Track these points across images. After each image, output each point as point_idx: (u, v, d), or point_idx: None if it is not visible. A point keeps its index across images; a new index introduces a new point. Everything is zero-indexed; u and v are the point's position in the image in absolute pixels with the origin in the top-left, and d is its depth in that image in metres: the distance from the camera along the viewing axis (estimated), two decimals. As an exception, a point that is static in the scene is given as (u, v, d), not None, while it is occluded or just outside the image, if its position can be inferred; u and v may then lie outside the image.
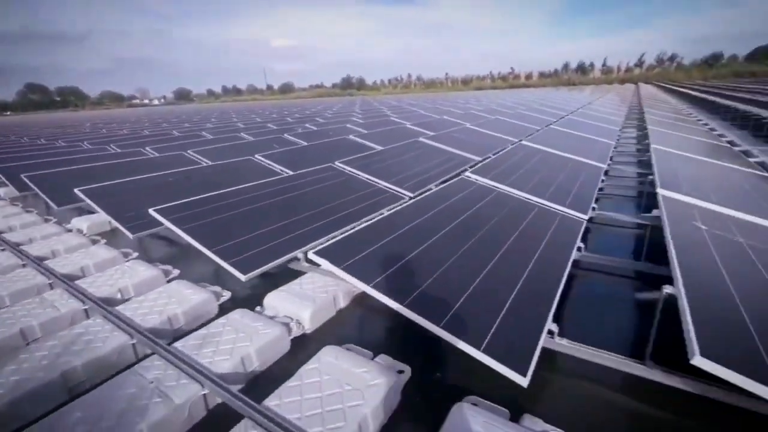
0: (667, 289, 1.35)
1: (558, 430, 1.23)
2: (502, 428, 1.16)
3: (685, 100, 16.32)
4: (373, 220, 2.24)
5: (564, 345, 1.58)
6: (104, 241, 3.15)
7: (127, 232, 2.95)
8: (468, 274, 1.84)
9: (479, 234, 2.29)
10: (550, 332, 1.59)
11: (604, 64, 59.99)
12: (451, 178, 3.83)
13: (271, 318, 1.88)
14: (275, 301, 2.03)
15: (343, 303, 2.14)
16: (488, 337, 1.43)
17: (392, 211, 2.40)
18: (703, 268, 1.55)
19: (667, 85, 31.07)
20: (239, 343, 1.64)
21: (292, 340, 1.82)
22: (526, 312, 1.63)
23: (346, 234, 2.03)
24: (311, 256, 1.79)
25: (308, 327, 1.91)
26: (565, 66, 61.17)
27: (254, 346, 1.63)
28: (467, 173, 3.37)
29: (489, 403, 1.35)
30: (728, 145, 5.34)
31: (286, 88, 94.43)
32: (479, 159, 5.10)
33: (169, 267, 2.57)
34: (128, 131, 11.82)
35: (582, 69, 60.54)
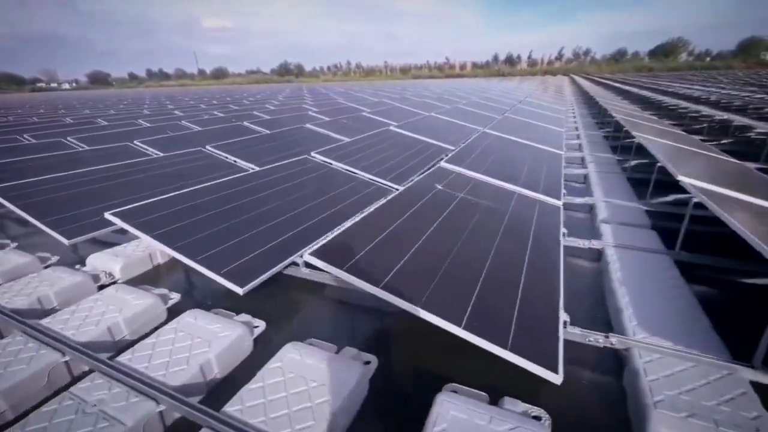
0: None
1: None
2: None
3: (577, 91, 18.33)
4: (184, 190, 2.65)
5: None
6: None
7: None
8: (249, 224, 2.34)
9: (291, 197, 2.81)
10: (296, 264, 2.15)
11: (529, 57, 64.36)
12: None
13: (84, 271, 2.25)
14: (96, 260, 2.39)
15: (161, 260, 2.55)
16: (225, 260, 1.94)
17: (212, 183, 2.83)
18: (400, 209, 2.19)
19: (577, 77, 34.34)
20: (39, 287, 2.00)
21: (99, 286, 2.21)
22: (275, 244, 2.17)
23: (153, 200, 2.44)
24: (107, 216, 2.17)
25: (119, 277, 2.31)
26: (495, 58, 64.79)
27: (53, 290, 2.00)
28: (312, 153, 3.89)
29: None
30: (564, 131, 6.40)
31: (220, 73, 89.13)
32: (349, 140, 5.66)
33: (7, 241, 2.79)
34: (15, 118, 10.87)
35: (510, 61, 64.42)
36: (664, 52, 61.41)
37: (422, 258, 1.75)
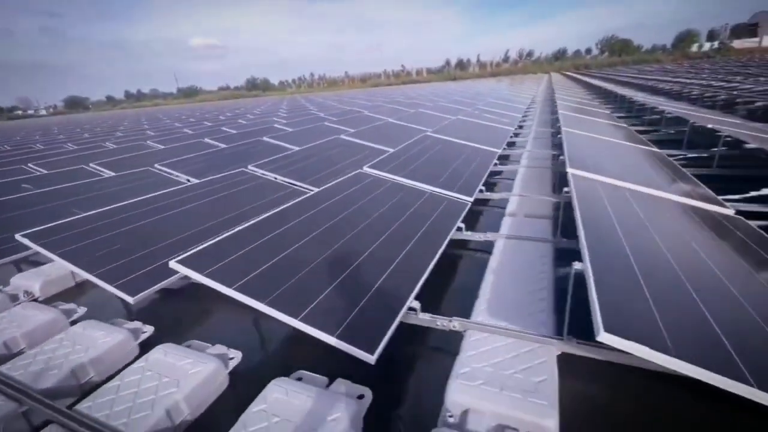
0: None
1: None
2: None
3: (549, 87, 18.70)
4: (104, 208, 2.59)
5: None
6: None
7: None
8: (154, 239, 2.31)
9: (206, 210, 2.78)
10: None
11: (478, 60, 65.49)
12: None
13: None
14: (18, 280, 2.28)
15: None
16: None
17: (136, 199, 2.77)
18: (293, 214, 2.19)
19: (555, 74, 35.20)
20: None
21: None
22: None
23: (62, 221, 2.39)
24: (17, 237, 2.09)
25: (39, 295, 2.25)
26: (447, 63, 65.72)
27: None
28: (249, 166, 3.84)
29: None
30: (513, 129, 6.54)
31: (191, 92, 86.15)
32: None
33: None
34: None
35: (461, 65, 65.39)
36: (613, 48, 59.55)
37: (291, 260, 1.76)
